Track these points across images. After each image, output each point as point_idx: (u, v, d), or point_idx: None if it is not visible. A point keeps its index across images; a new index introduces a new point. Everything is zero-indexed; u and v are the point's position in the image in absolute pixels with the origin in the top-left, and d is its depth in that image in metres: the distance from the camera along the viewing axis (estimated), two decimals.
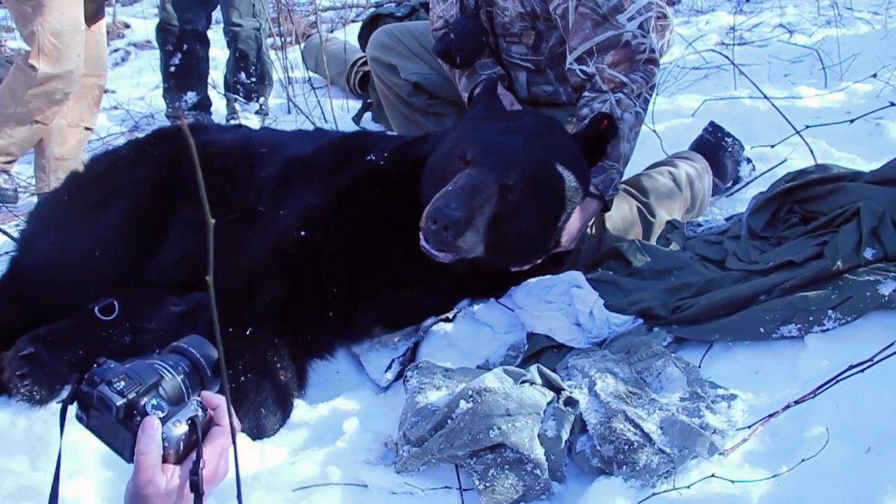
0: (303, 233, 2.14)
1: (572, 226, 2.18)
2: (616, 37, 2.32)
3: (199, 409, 1.20)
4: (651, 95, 2.41)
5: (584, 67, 2.36)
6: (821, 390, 1.62)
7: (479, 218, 1.89)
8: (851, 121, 2.32)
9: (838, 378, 1.58)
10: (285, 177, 2.38)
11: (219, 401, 1.22)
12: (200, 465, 1.14)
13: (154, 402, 1.15)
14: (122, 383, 1.13)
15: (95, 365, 1.19)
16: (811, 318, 1.78)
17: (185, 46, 4.65)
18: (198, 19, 4.67)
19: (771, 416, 1.64)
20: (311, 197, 2.25)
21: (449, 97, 2.93)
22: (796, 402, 1.62)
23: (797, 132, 2.94)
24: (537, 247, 2.16)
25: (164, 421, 1.15)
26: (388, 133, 2.67)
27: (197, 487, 1.13)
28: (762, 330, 1.83)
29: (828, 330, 1.78)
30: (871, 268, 1.82)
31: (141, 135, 4.63)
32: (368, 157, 2.29)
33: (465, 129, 2.15)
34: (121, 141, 4.97)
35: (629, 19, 2.31)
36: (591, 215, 2.30)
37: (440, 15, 2.77)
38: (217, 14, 4.95)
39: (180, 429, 1.16)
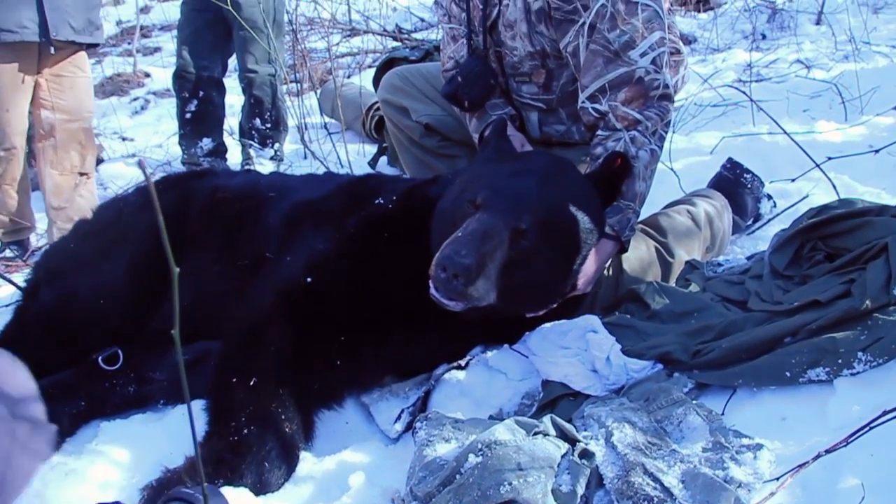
0: (309, 279, 2.08)
1: (588, 268, 2.11)
2: (629, 73, 2.27)
3: None
4: (666, 132, 2.35)
5: (596, 105, 2.31)
6: (853, 438, 1.52)
7: (491, 264, 1.82)
8: (876, 151, 2.24)
9: (872, 425, 1.48)
10: (293, 221, 2.34)
11: None
12: None
13: None
14: None
15: None
16: (840, 361, 1.68)
17: (202, 93, 4.68)
18: (214, 66, 4.70)
19: (800, 466, 1.53)
20: (318, 242, 2.20)
21: (461, 138, 2.89)
22: (827, 452, 1.52)
23: (817, 166, 2.88)
24: (552, 291, 2.09)
25: None
26: (401, 176, 2.63)
27: None
28: (788, 374, 1.74)
29: (858, 373, 1.69)
30: None
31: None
32: (377, 201, 2.25)
33: (475, 171, 2.10)
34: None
35: (641, 55, 2.26)
36: (607, 257, 2.23)
37: (450, 56, 2.74)
38: (233, 61, 4.99)
39: None
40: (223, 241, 2.42)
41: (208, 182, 2.60)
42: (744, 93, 3.79)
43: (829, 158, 2.58)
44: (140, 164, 0.92)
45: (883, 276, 1.74)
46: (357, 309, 2.09)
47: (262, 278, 2.24)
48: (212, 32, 4.58)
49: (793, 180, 2.74)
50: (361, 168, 4.70)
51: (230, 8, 4.12)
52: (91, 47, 3.97)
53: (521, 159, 2.12)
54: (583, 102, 2.35)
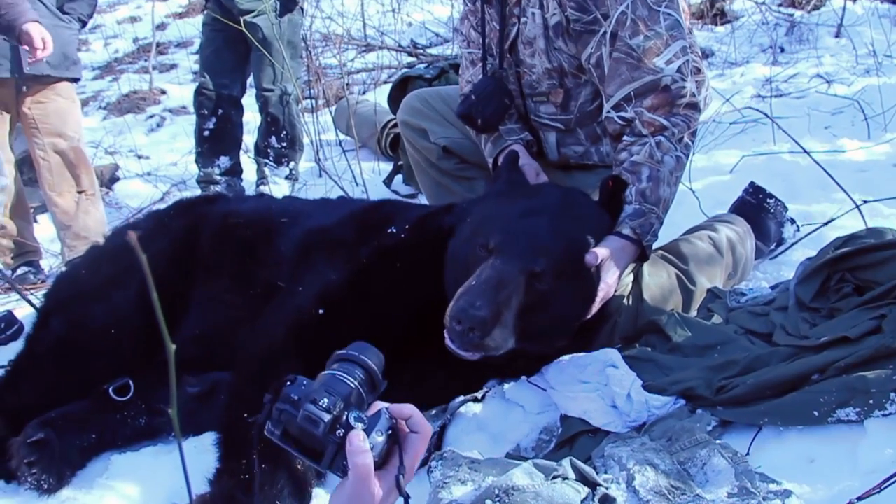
0: (321, 311, 2.04)
1: (608, 276, 2.04)
2: (655, 81, 2.22)
3: (392, 420, 1.28)
4: (693, 142, 2.29)
5: (622, 114, 2.27)
6: (887, 484, 1.45)
7: (507, 313, 1.79)
8: None
9: None
10: (305, 250, 2.30)
11: (409, 411, 1.30)
12: (402, 471, 1.25)
13: (355, 414, 1.23)
14: (326, 400, 1.22)
15: (288, 383, 1.27)
16: (871, 402, 1.62)
17: (220, 111, 4.68)
18: (233, 85, 4.71)
19: None
20: (330, 272, 2.16)
21: (478, 161, 2.85)
22: (859, 499, 1.46)
23: (844, 191, 2.81)
24: (572, 325, 2.05)
25: (367, 432, 1.23)
26: (413, 202, 2.59)
27: (402, 490, 1.24)
28: (816, 413, 1.67)
29: (890, 414, 1.62)
30: None
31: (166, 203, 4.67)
32: (390, 230, 2.21)
33: (487, 211, 2.06)
34: (157, 208, 5.03)
35: (667, 63, 2.22)
36: (627, 262, 2.16)
37: (469, 80, 2.71)
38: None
39: (380, 439, 1.24)
40: (235, 268, 2.39)
41: (220, 207, 2.57)
42: (764, 114, 3.72)
43: (865, 202, 2.51)
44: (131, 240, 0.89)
45: None
46: (369, 341, 2.04)
47: (274, 308, 2.20)
48: (232, 52, 4.59)
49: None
50: (377, 185, 4.67)
51: (244, 30, 4.11)
52: (72, 81, 4.06)
53: (533, 195, 2.07)
54: (608, 112, 2.30)
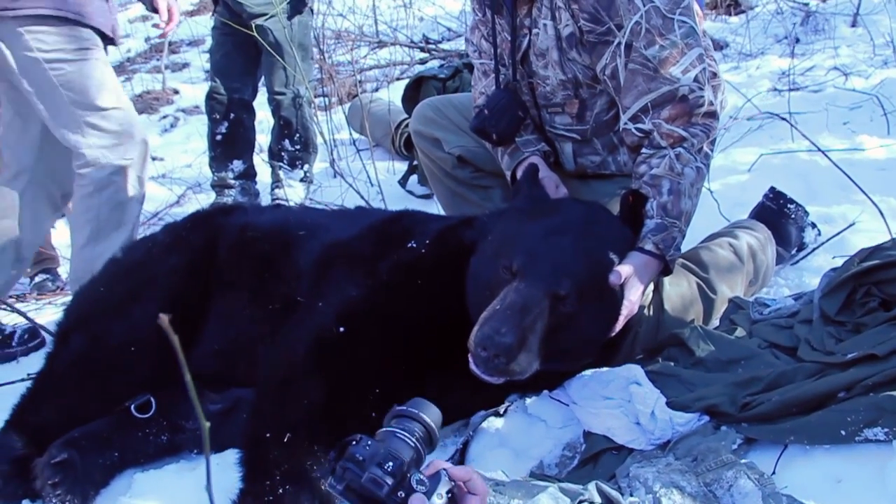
0: (342, 329, 2.04)
1: (632, 294, 2.03)
2: (672, 91, 2.19)
3: (451, 482, 1.34)
4: (713, 151, 2.27)
5: (640, 125, 2.24)
6: None
7: (532, 337, 1.79)
8: None
9: None
10: (324, 264, 2.29)
11: (468, 473, 1.36)
12: None
13: (417, 477, 1.31)
14: (391, 464, 1.29)
15: (354, 442, 1.34)
16: None
17: (232, 115, 4.67)
18: (245, 88, 4.69)
19: None
20: (350, 288, 2.16)
21: (493, 169, 2.83)
22: None
23: (866, 195, 2.78)
24: (598, 343, 2.05)
25: (427, 495, 1.29)
26: (432, 214, 2.57)
27: None
28: (844, 432, 1.65)
29: None
30: None
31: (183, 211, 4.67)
32: (410, 244, 2.19)
33: (508, 229, 2.05)
34: (173, 212, 5.03)
35: (683, 72, 2.19)
36: (651, 278, 2.14)
37: (482, 91, 2.69)
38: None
39: (440, 502, 1.30)
40: (253, 283, 2.38)
41: (237, 219, 2.56)
42: (784, 118, 3.68)
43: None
44: None
45: None
46: (391, 359, 2.04)
47: (294, 325, 2.20)
48: (242, 56, 4.57)
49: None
50: (391, 186, 4.65)
51: (255, 34, 4.09)
52: None
53: (555, 213, 2.05)
54: (625, 124, 2.28)
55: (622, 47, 2.23)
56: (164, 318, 0.89)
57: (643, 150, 2.22)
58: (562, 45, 2.37)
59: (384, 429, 1.38)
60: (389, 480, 1.28)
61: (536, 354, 1.82)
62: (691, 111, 2.18)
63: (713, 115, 2.22)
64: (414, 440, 1.35)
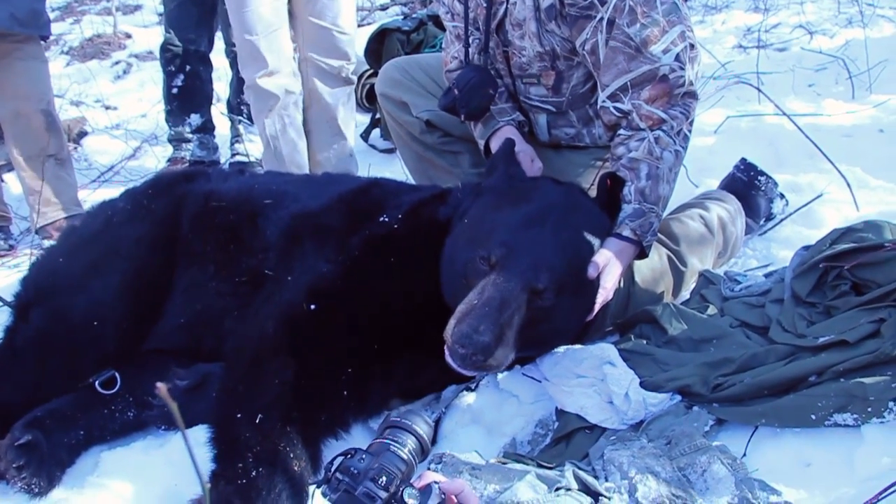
0: (312, 306, 2.00)
1: (607, 280, 2.02)
2: (652, 71, 2.15)
3: (442, 494, 1.37)
4: (690, 131, 2.24)
5: (618, 104, 2.20)
6: (885, 494, 1.47)
7: (509, 332, 1.78)
8: None
9: None
10: (293, 237, 2.24)
11: (460, 486, 1.38)
12: None
13: (409, 491, 1.35)
14: (384, 478, 1.35)
15: (348, 455, 1.40)
16: (869, 409, 1.62)
17: (188, 68, 4.49)
18: (200, 40, 4.50)
19: None
20: (320, 263, 2.11)
21: (462, 134, 2.77)
22: None
23: (834, 166, 2.80)
24: (573, 331, 2.05)
25: None
26: (402, 183, 2.51)
27: None
28: (814, 417, 1.68)
29: (887, 422, 1.63)
30: None
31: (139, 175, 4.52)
32: (382, 219, 2.15)
33: (486, 213, 2.01)
34: (129, 166, 4.88)
35: (664, 52, 2.14)
36: (627, 263, 2.13)
37: (454, 56, 2.61)
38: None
39: None
40: (219, 255, 2.33)
41: (200, 187, 2.49)
42: (754, 86, 3.68)
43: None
44: None
45: None
46: (363, 336, 2.02)
47: (263, 300, 2.16)
48: (197, 6, 4.37)
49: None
50: (354, 140, 4.56)
51: None
52: (41, 38, 3.88)
53: (533, 198, 2.01)
54: (604, 101, 2.24)
55: (604, 23, 2.18)
56: (161, 388, 0.83)
57: (621, 131, 2.19)
58: (540, 16, 2.30)
59: (378, 440, 1.42)
60: (383, 494, 1.33)
61: (512, 347, 1.81)
62: (671, 91, 2.14)
63: (693, 94, 2.19)
64: (406, 452, 1.40)
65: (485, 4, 2.40)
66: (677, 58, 2.14)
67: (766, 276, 2.24)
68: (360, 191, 2.37)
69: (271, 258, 2.25)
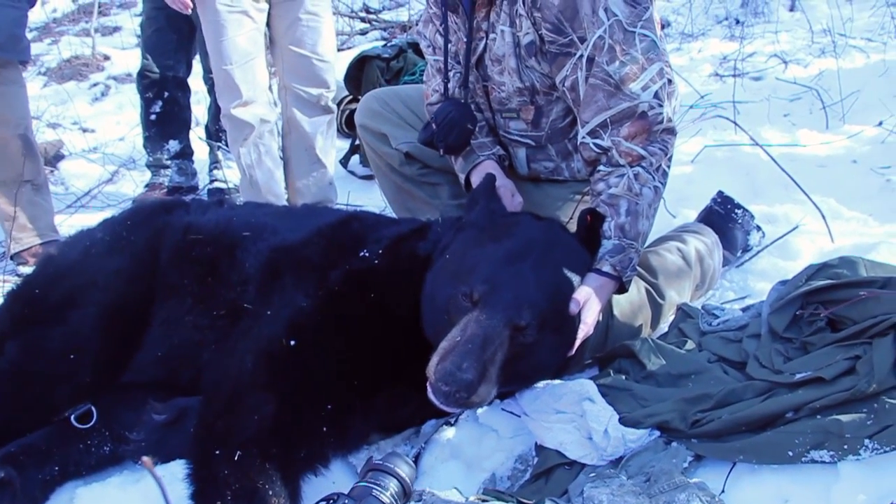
0: (292, 342, 1.99)
1: (588, 316, 2.03)
2: (631, 108, 2.17)
3: None
4: (669, 167, 2.27)
5: (598, 141, 2.22)
6: None
7: (493, 369, 1.79)
8: None
9: None
10: (272, 271, 2.24)
11: None
12: None
13: None
14: None
15: (330, 501, 1.47)
16: (846, 447, 1.64)
17: (166, 94, 4.50)
18: (178, 66, 4.51)
19: None
20: (300, 297, 2.11)
21: (441, 166, 2.78)
22: None
23: (809, 198, 2.84)
24: (554, 367, 2.07)
25: None
26: (382, 217, 2.52)
27: None
28: (791, 453, 1.69)
29: (863, 459, 1.65)
30: None
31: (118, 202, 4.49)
32: (362, 253, 2.15)
33: (468, 250, 2.02)
34: (106, 191, 4.85)
35: (643, 89, 2.17)
36: (607, 298, 2.16)
37: (435, 89, 2.63)
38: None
39: None
40: (197, 287, 2.32)
41: (179, 219, 2.48)
42: (728, 118, 3.75)
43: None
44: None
45: (890, 359, 1.68)
46: (342, 371, 2.01)
47: (242, 334, 2.14)
48: (175, 32, 4.38)
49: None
50: (333, 168, 4.56)
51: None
52: (20, 63, 3.85)
53: (514, 234, 2.03)
54: (583, 138, 2.25)
55: (584, 60, 2.20)
56: (147, 461, 0.84)
57: (601, 167, 2.21)
58: (520, 52, 2.33)
59: (360, 483, 1.44)
60: None
61: (495, 384, 1.82)
62: (650, 128, 2.16)
63: (671, 130, 2.21)
64: (389, 496, 1.45)
65: (465, 39, 2.42)
66: (656, 95, 2.16)
67: (744, 310, 2.27)
68: (339, 224, 2.37)
69: (250, 291, 2.24)
